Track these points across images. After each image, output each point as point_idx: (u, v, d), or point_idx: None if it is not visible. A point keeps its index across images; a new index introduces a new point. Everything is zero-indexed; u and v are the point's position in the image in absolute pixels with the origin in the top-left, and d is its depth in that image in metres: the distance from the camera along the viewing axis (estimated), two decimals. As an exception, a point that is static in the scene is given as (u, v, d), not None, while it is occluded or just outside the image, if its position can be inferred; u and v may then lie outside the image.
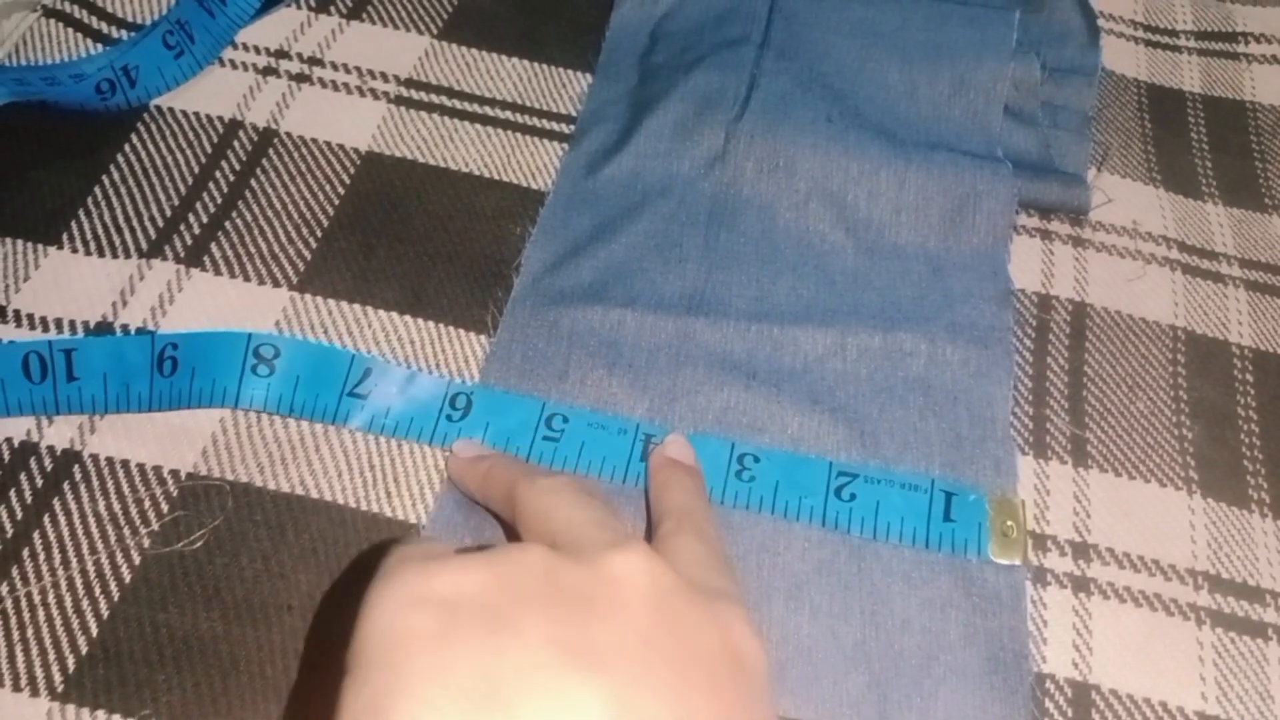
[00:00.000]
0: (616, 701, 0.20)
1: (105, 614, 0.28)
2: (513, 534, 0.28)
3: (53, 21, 0.40)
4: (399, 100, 0.40)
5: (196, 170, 0.37)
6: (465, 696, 0.19)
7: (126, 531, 0.29)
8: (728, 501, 0.31)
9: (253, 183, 0.37)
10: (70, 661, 0.27)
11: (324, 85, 0.40)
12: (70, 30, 0.40)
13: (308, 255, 0.35)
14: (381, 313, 0.34)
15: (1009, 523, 0.31)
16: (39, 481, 0.30)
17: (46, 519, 0.29)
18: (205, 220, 0.36)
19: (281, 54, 0.40)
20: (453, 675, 0.20)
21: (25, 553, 0.29)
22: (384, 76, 0.40)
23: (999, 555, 0.30)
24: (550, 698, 0.20)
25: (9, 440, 0.31)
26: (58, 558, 0.29)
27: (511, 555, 0.22)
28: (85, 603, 0.28)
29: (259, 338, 0.32)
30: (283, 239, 0.36)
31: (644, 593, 0.22)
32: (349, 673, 0.21)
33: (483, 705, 0.19)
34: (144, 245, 0.35)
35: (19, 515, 0.29)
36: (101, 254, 0.35)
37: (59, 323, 0.33)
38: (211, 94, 0.39)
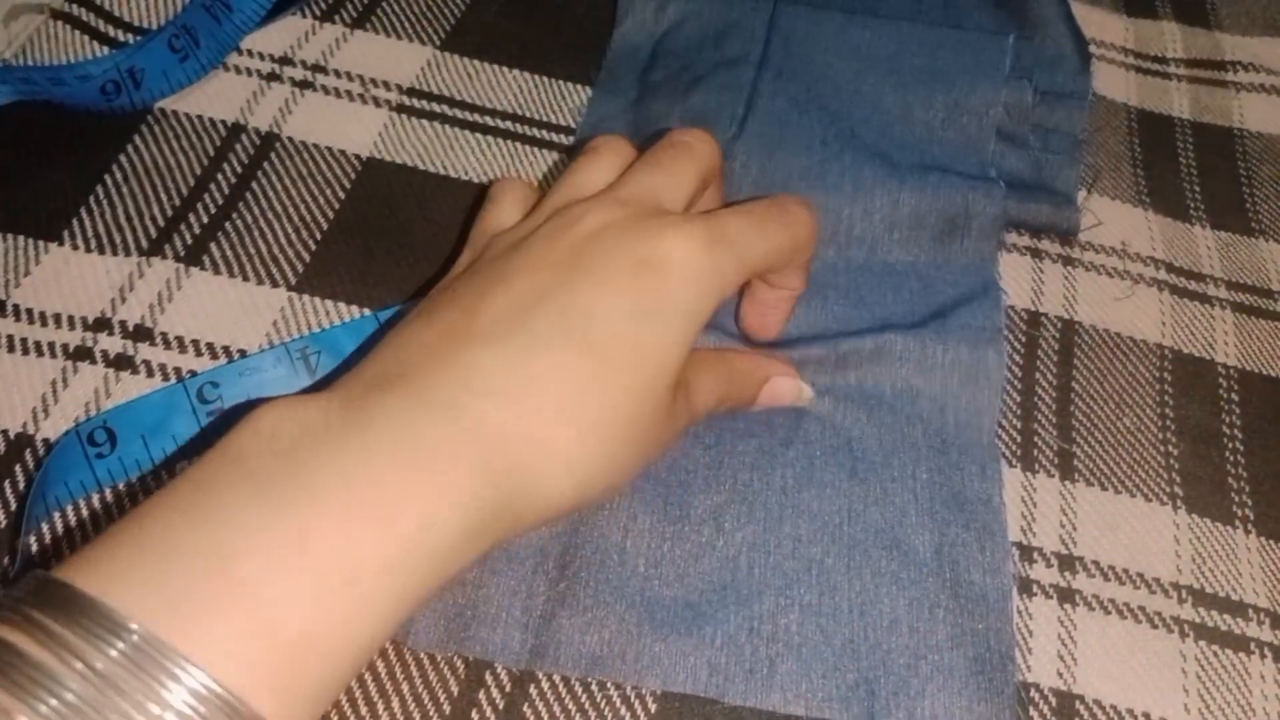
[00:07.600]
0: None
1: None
2: None
3: (60, 23, 0.40)
4: (400, 108, 0.40)
5: (199, 172, 0.37)
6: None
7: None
8: None
9: (254, 185, 0.37)
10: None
11: (327, 92, 0.40)
12: (77, 32, 0.40)
13: (306, 257, 0.36)
14: (379, 315, 0.35)
15: None
16: (34, 470, 0.30)
17: (40, 510, 0.30)
18: (206, 221, 0.36)
19: (286, 60, 0.41)
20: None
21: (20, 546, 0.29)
22: (386, 85, 0.41)
23: None
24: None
25: (4, 432, 0.31)
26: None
27: None
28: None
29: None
30: (282, 241, 0.36)
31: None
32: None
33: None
34: (144, 244, 0.35)
35: (13, 506, 0.30)
36: (102, 251, 0.35)
37: (58, 318, 0.33)
38: (215, 98, 0.39)
